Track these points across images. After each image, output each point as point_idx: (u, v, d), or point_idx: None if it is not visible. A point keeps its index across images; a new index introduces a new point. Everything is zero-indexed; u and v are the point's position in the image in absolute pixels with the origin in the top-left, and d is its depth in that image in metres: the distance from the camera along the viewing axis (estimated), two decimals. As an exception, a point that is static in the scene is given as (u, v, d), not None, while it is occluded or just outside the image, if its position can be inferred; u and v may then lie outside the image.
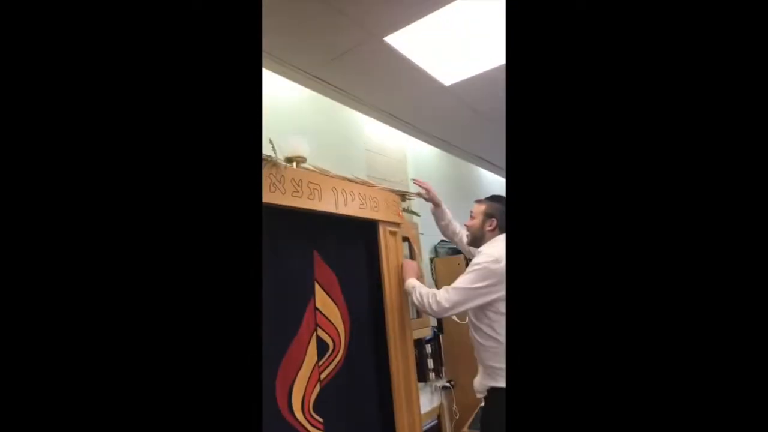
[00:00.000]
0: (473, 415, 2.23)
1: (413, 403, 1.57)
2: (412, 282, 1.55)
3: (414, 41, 1.60)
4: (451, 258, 2.70)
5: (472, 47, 1.67)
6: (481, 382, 1.47)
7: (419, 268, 1.70)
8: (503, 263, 1.38)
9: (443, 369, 2.56)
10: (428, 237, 2.75)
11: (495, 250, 1.43)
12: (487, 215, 1.56)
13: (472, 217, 1.60)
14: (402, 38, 1.58)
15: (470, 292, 1.38)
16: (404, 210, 1.80)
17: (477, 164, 3.18)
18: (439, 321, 2.60)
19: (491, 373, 1.42)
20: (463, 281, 1.40)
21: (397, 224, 1.68)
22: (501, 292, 1.39)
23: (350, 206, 1.42)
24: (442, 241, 2.93)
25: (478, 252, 1.49)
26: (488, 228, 1.55)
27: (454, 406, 2.48)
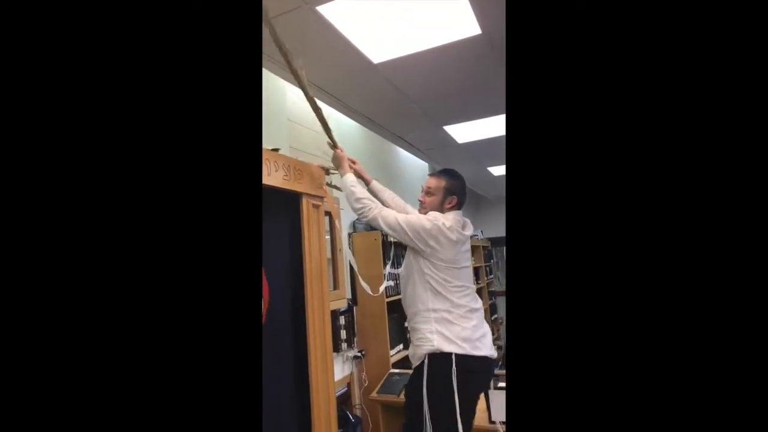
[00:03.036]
0: (381, 382, 2.37)
1: (329, 372, 1.62)
2: (350, 179, 1.52)
3: (346, 14, 1.59)
4: (369, 233, 2.77)
5: (404, 27, 1.70)
6: (417, 353, 1.45)
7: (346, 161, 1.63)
8: (451, 224, 1.42)
9: (355, 339, 2.66)
10: (348, 212, 2.79)
11: (449, 217, 1.45)
12: (448, 191, 1.49)
13: (429, 193, 1.51)
14: (335, 9, 1.55)
15: (411, 234, 1.40)
16: (327, 184, 1.80)
17: (400, 145, 3.26)
18: (354, 293, 2.68)
19: (424, 341, 1.42)
20: (417, 220, 1.41)
21: (320, 198, 1.68)
22: (442, 254, 1.41)
23: (274, 177, 1.40)
24: (360, 216, 2.99)
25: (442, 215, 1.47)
26: (447, 206, 1.49)
27: (364, 374, 2.60)
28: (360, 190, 1.50)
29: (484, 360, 1.39)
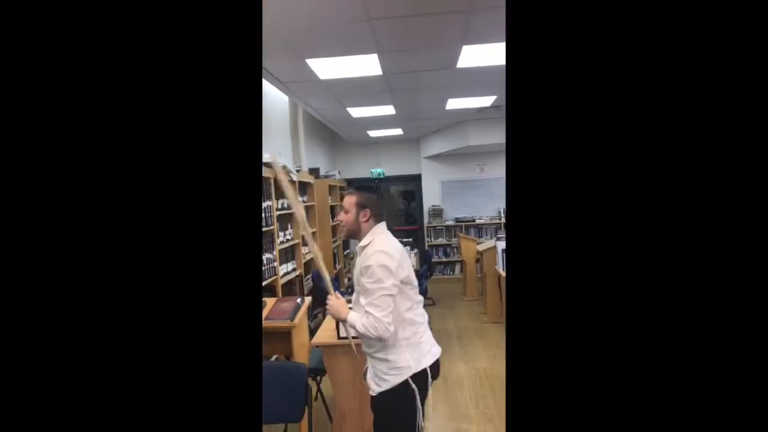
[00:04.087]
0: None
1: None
2: (351, 318, 1.49)
3: None
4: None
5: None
6: (392, 381, 1.49)
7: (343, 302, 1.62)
8: (393, 252, 1.47)
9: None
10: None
11: (380, 245, 1.48)
12: (360, 206, 1.55)
13: (345, 211, 1.57)
14: None
15: (388, 296, 1.43)
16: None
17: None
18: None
19: (398, 371, 1.48)
20: (376, 290, 1.42)
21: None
22: (402, 275, 1.48)
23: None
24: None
25: (364, 253, 1.51)
26: (363, 219, 1.55)
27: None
28: (363, 321, 1.46)
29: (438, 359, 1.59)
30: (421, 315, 1.57)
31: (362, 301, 1.48)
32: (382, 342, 1.48)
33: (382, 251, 1.47)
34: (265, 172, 3.17)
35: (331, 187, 5.45)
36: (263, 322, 2.24)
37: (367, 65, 3.02)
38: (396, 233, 1.69)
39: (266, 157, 3.35)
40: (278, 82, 3.33)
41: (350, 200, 1.58)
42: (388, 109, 4.56)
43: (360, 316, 1.47)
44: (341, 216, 1.60)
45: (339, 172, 6.25)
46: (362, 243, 1.56)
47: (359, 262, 1.55)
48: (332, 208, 5.34)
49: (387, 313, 1.42)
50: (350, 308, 1.58)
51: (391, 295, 1.44)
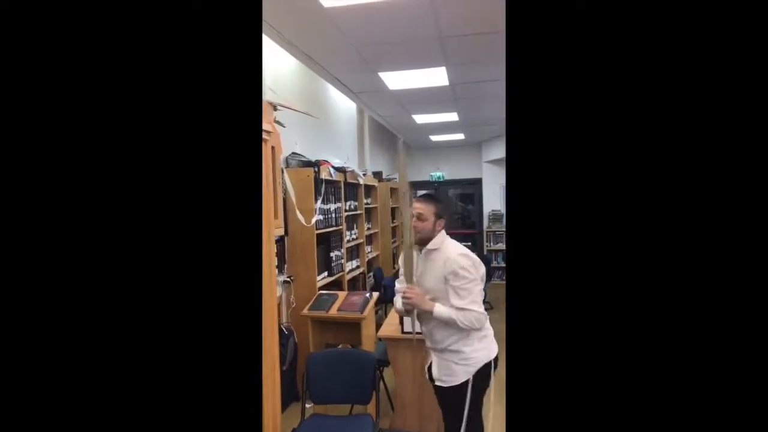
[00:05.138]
0: (312, 301, 2.66)
1: (272, 291, 1.85)
2: (444, 311, 1.61)
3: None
4: (302, 170, 2.92)
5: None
6: (459, 372, 1.65)
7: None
8: (469, 252, 1.65)
9: (285, 266, 2.89)
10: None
11: (456, 249, 1.66)
12: (438, 216, 1.70)
13: (421, 219, 1.67)
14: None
15: (481, 292, 1.65)
16: (274, 120, 1.91)
17: (333, 84, 3.35)
18: (285, 224, 2.87)
19: (469, 360, 1.65)
20: (472, 288, 1.61)
21: (268, 132, 1.81)
22: (482, 271, 1.67)
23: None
24: (293, 153, 3.10)
25: (439, 257, 1.65)
26: (438, 228, 1.71)
27: (292, 296, 2.87)
28: (459, 316, 1.61)
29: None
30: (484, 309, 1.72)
31: (458, 302, 1.60)
32: (457, 335, 1.64)
33: (463, 254, 1.62)
34: (336, 176, 3.42)
35: (392, 190, 5.65)
36: (336, 312, 2.48)
37: (434, 77, 3.17)
38: (453, 236, 1.79)
39: (338, 162, 3.61)
40: (350, 92, 3.58)
41: (429, 209, 1.67)
42: (452, 116, 4.68)
43: (454, 311, 1.59)
44: (416, 222, 1.66)
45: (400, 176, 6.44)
46: (430, 247, 1.68)
47: (427, 266, 1.69)
48: (392, 210, 5.54)
49: (483, 309, 1.63)
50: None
51: (483, 290, 1.63)
